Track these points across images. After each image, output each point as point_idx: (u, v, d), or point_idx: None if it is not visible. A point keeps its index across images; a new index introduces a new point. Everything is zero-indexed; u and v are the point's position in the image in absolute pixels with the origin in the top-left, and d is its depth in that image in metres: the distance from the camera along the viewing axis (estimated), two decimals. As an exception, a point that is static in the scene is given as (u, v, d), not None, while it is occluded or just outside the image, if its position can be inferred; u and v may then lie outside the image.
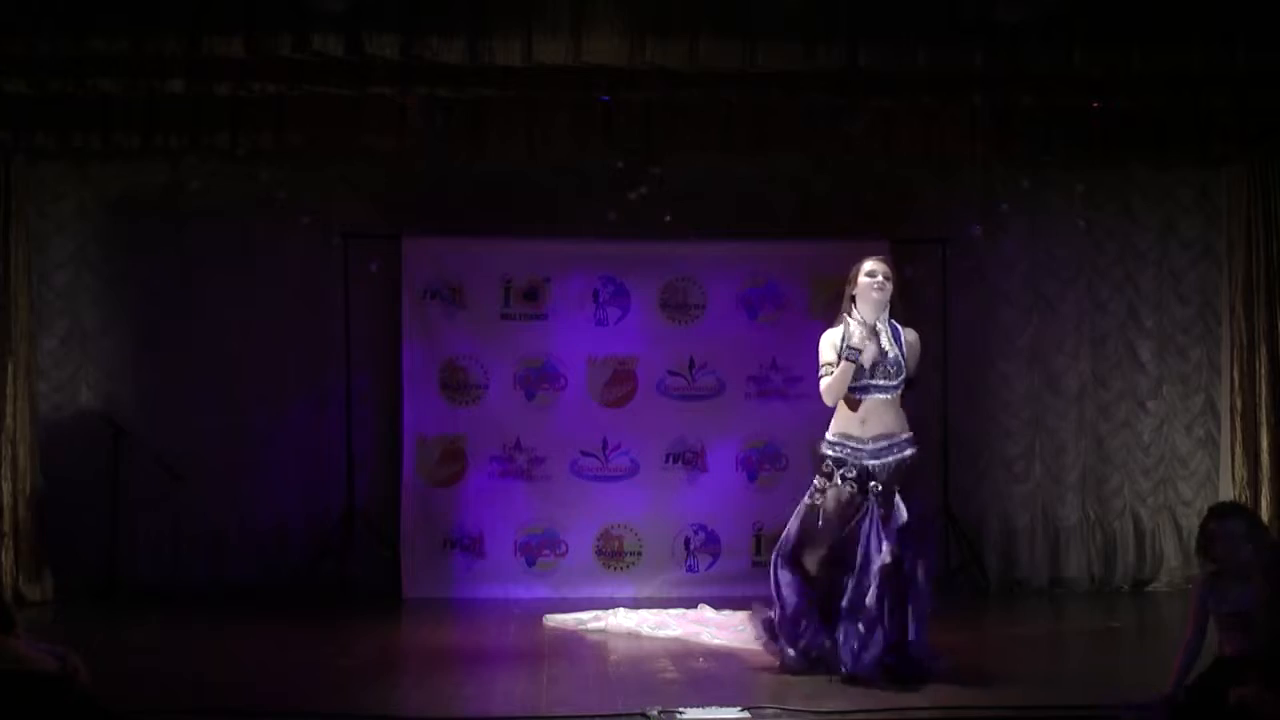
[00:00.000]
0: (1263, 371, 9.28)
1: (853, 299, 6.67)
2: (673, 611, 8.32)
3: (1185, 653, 5.42)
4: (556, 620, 8.21)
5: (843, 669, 6.40)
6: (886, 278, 6.62)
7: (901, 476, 6.61)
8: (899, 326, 6.70)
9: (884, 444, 6.59)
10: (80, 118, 8.44)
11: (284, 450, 9.43)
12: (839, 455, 6.64)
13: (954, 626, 8.11)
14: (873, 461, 6.58)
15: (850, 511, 6.57)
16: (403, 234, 9.36)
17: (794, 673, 6.56)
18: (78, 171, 9.41)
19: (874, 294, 6.60)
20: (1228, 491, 9.42)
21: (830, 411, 6.72)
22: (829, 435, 6.71)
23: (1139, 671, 6.68)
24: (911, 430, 6.69)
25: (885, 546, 6.44)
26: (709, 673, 6.81)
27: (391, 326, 9.36)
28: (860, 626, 6.40)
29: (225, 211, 9.45)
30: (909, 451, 6.63)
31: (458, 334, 9.40)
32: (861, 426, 6.60)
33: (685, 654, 7.28)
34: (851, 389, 6.59)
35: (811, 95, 8.14)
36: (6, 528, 8.95)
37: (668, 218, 9.42)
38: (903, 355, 6.63)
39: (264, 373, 9.44)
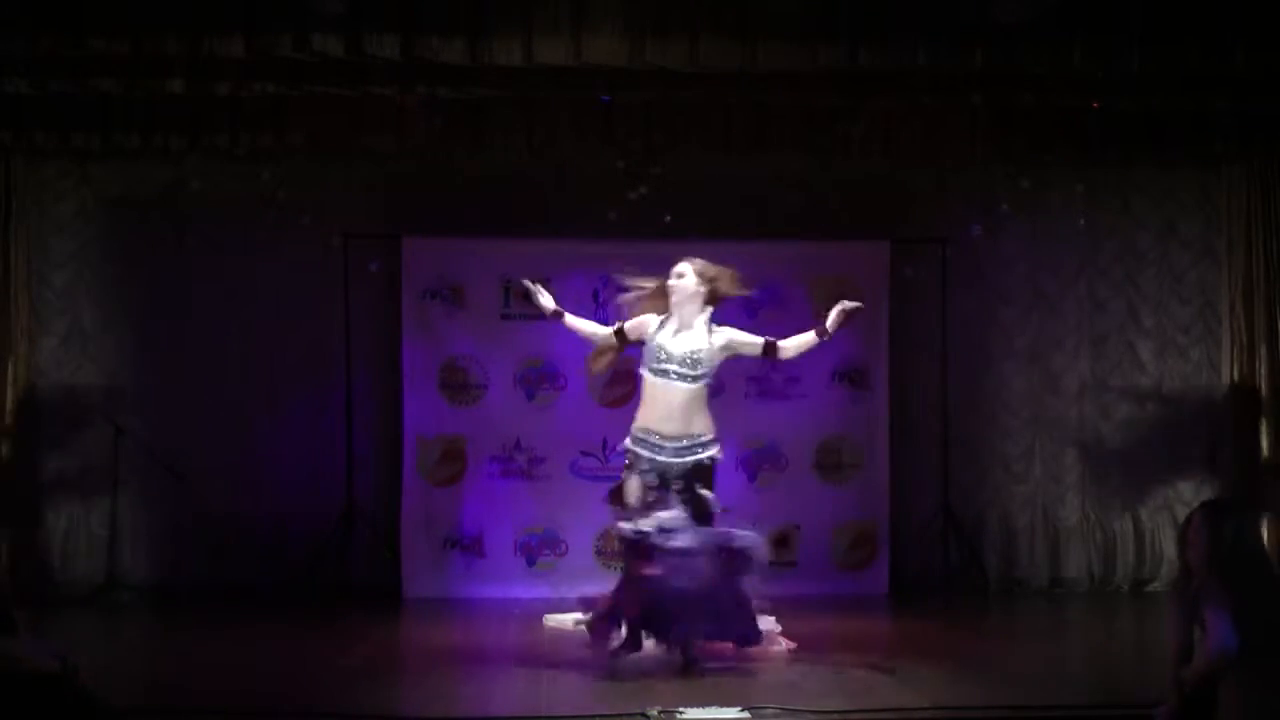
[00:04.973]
0: (1263, 371, 9.29)
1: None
2: (673, 612, 8.30)
3: (1179, 664, 5.21)
4: (556, 620, 8.20)
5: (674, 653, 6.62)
6: (679, 275, 6.86)
7: (703, 476, 6.81)
8: (715, 327, 6.89)
9: (684, 443, 6.77)
10: (80, 118, 8.44)
11: (284, 450, 9.43)
12: (637, 450, 6.82)
13: (954, 626, 8.13)
14: (673, 460, 6.75)
15: (653, 507, 6.74)
16: (403, 234, 9.36)
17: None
18: (78, 171, 9.40)
19: (672, 293, 6.88)
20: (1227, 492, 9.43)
21: None
22: (633, 428, 6.89)
23: (1139, 671, 6.68)
24: (715, 432, 6.89)
25: (699, 538, 6.66)
26: (709, 673, 6.80)
27: (391, 326, 9.36)
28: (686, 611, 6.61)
29: (225, 211, 9.45)
30: (711, 451, 6.83)
31: (458, 334, 9.40)
32: (664, 422, 6.77)
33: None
34: (653, 370, 6.80)
35: (811, 95, 8.14)
36: (7, 527, 8.96)
37: (668, 218, 9.42)
38: (705, 352, 6.82)
39: (264, 373, 9.44)
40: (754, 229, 9.53)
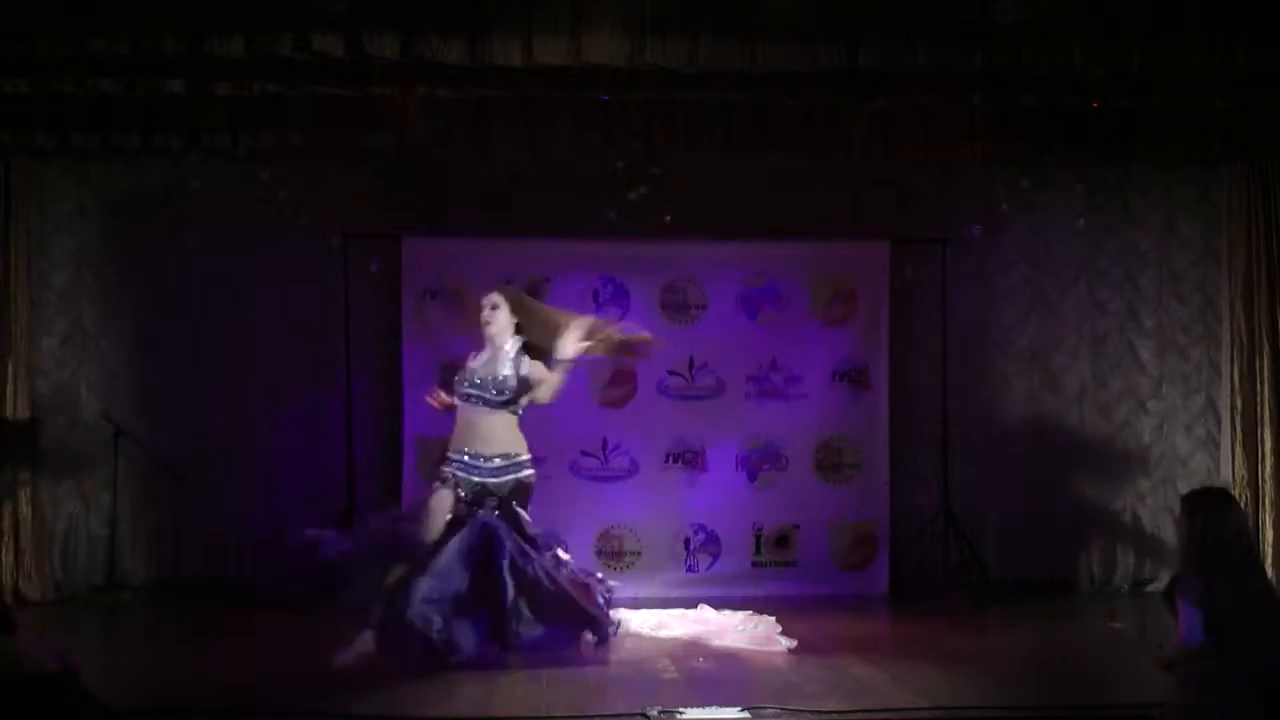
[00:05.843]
0: (1264, 372, 9.29)
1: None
2: (673, 611, 8.31)
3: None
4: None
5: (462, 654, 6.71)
6: (493, 306, 7.16)
7: (520, 495, 7.06)
8: (524, 358, 7.10)
9: (499, 463, 6.99)
10: (80, 118, 8.44)
11: (284, 450, 9.43)
12: (454, 471, 7.00)
13: (954, 626, 8.13)
14: (490, 479, 6.97)
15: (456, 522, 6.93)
16: (403, 234, 9.36)
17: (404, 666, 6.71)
18: (78, 171, 9.40)
19: (488, 323, 7.14)
20: (1227, 492, 9.42)
21: None
22: (450, 451, 7.08)
23: (1139, 671, 6.67)
24: (530, 453, 7.13)
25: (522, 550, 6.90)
26: (709, 673, 6.82)
27: (391, 326, 9.36)
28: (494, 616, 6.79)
29: (225, 212, 9.45)
30: (529, 472, 7.10)
31: (458, 334, 9.38)
32: (481, 444, 7.01)
33: (685, 654, 7.28)
34: (461, 395, 7.06)
35: (811, 95, 8.13)
36: (6, 527, 8.96)
37: (668, 218, 9.43)
38: (512, 380, 7.02)
39: (264, 373, 9.44)
40: (754, 229, 9.53)
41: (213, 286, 9.42)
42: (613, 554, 9.43)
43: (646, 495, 9.42)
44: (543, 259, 9.46)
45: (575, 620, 6.99)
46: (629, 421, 9.42)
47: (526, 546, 6.94)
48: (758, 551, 9.43)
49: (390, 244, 9.36)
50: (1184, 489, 9.58)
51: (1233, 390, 9.50)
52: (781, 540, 9.46)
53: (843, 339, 9.53)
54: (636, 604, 8.68)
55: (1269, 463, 9.24)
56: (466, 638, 6.77)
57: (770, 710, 5.79)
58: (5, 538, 8.95)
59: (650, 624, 7.98)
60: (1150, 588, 9.59)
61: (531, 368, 7.08)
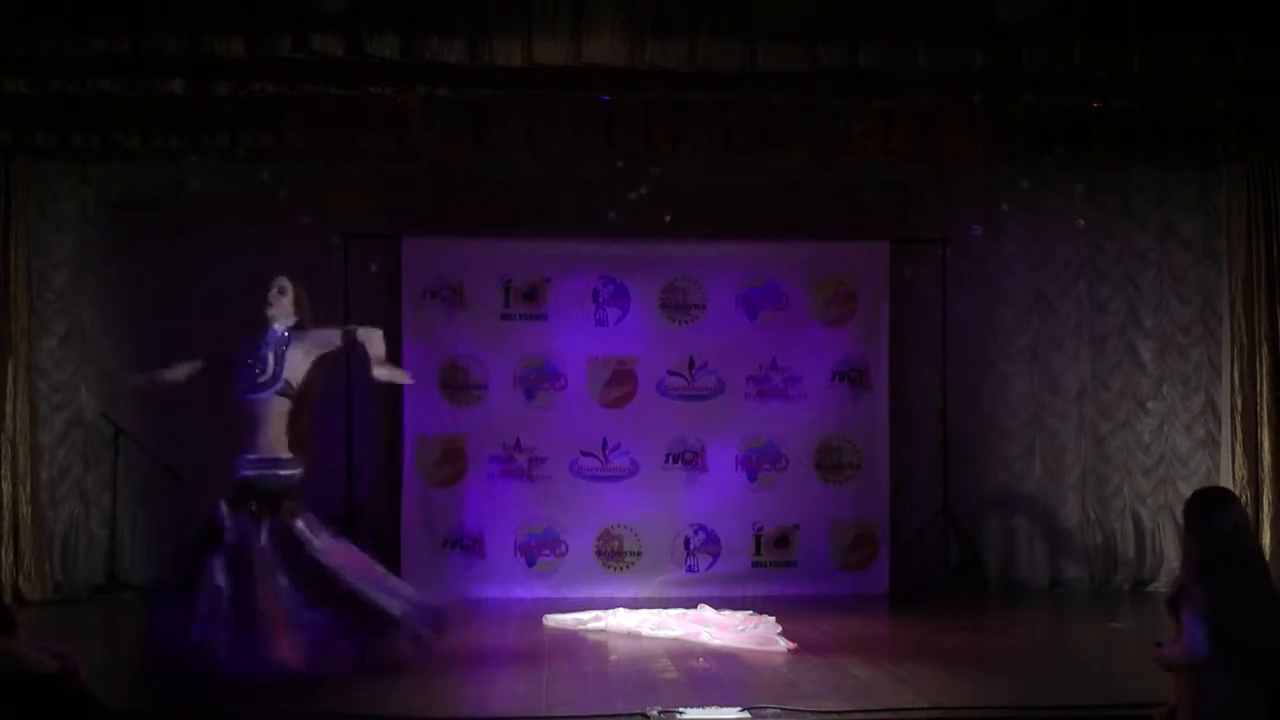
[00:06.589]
0: (1263, 371, 9.28)
1: None
2: (673, 611, 8.31)
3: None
4: (556, 620, 8.21)
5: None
6: (280, 290, 6.97)
7: (287, 497, 6.81)
8: (297, 337, 6.91)
9: (262, 458, 6.80)
10: (80, 118, 8.45)
11: (284, 450, 9.41)
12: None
13: (954, 626, 8.13)
14: (252, 475, 6.81)
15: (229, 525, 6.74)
16: (403, 234, 9.37)
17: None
18: (78, 171, 9.41)
19: (272, 305, 6.94)
20: (1228, 492, 9.41)
21: None
22: None
23: (1139, 671, 6.67)
24: (292, 452, 6.89)
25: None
26: (709, 673, 6.81)
27: (391, 326, 9.34)
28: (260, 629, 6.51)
29: (225, 211, 9.45)
30: (288, 472, 6.85)
31: (458, 334, 9.40)
32: (246, 440, 6.84)
33: (685, 654, 7.28)
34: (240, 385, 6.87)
35: (811, 95, 8.13)
36: (6, 528, 8.96)
37: (668, 218, 9.43)
38: (283, 365, 6.85)
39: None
40: (753, 229, 9.53)
41: (212, 286, 9.42)
42: (613, 554, 9.43)
43: (646, 495, 9.41)
44: (543, 259, 9.47)
45: (359, 618, 6.68)
46: (629, 421, 9.42)
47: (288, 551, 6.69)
48: (758, 551, 9.43)
49: (390, 244, 9.37)
50: (1184, 489, 9.65)
51: (1233, 390, 9.49)
52: (781, 540, 9.46)
53: (843, 339, 9.53)
54: (636, 604, 8.70)
55: (1269, 463, 9.23)
56: (235, 649, 6.50)
57: (770, 710, 5.80)
58: (5, 538, 8.94)
59: (650, 624, 7.98)
60: (1150, 588, 9.60)
61: (310, 337, 6.91)
